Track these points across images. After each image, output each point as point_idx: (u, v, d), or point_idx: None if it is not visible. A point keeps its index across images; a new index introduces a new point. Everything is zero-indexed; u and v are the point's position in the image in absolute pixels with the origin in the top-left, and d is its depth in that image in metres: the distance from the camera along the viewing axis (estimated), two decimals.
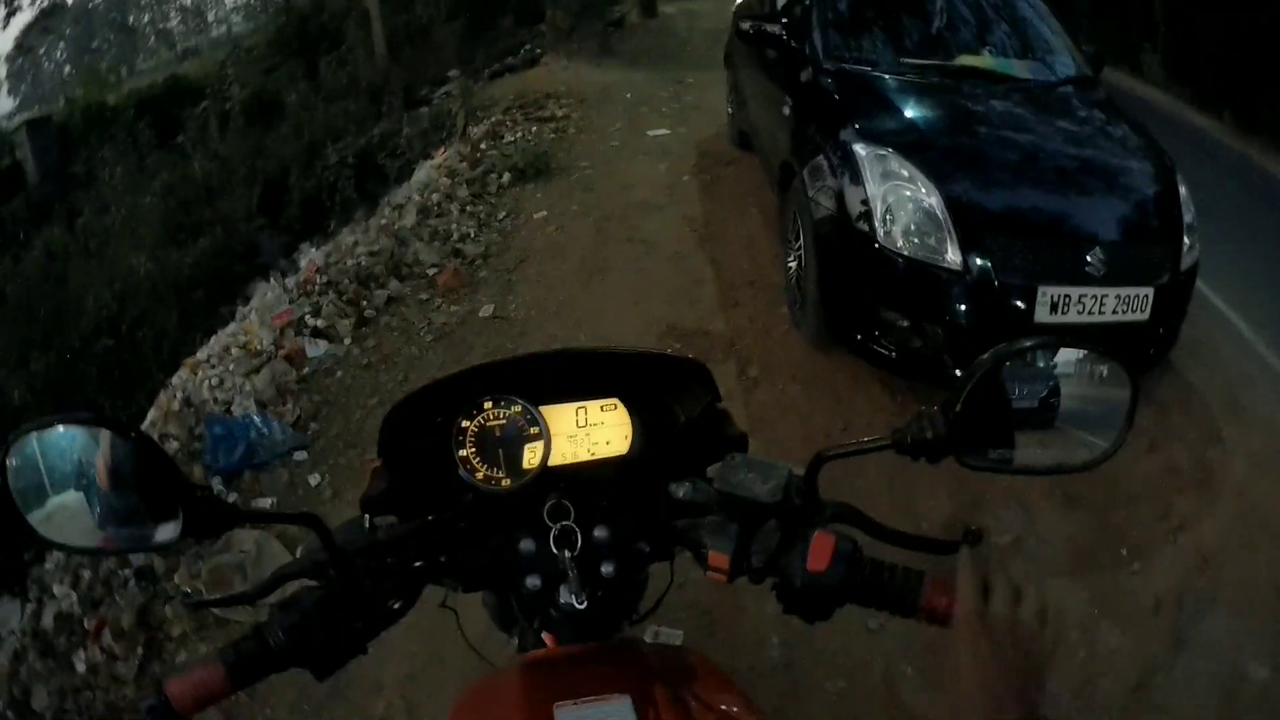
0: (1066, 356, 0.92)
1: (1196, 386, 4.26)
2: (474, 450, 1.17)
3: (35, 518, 0.84)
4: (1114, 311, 3.54)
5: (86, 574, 3.59)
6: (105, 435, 0.84)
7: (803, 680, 2.79)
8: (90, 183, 12.52)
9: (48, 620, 3.46)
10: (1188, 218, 3.87)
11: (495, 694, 1.07)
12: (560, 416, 1.19)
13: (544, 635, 1.20)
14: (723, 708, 1.03)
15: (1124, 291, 3.56)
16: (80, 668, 3.20)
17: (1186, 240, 3.80)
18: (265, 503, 3.74)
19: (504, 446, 1.17)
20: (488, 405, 1.16)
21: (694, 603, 2.96)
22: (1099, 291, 3.51)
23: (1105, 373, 0.91)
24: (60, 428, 0.84)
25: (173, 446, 4.09)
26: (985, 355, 0.90)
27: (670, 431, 1.23)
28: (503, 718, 0.99)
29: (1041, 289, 3.48)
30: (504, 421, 1.17)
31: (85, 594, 3.49)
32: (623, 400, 1.21)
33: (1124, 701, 2.76)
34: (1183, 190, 3.96)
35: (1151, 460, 3.66)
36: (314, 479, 3.84)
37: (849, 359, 4.02)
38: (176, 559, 3.41)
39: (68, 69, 24.93)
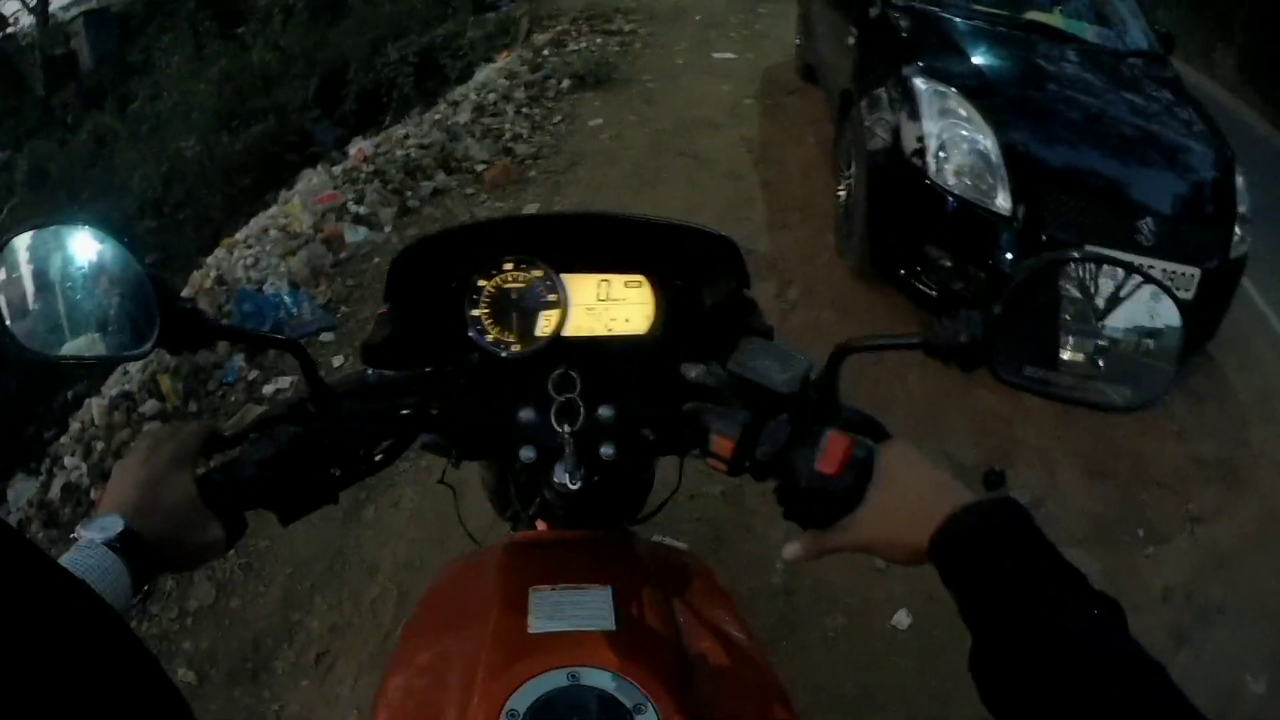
0: (1114, 285, 0.85)
1: (1232, 384, 4.22)
2: (487, 310, 1.12)
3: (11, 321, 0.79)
4: None
5: (99, 445, 3.54)
6: (88, 241, 0.79)
7: (802, 610, 2.74)
8: (147, 71, 12.49)
9: (55, 492, 3.43)
10: (1242, 208, 3.84)
11: (474, 572, 1.05)
12: (582, 286, 1.15)
13: (537, 522, 1.19)
14: (709, 617, 1.00)
15: (1172, 267, 3.54)
16: None
17: (1239, 230, 3.78)
18: (285, 381, 3.64)
19: (519, 310, 1.13)
20: (508, 266, 1.12)
21: (701, 517, 2.93)
22: (1146, 261, 3.41)
23: (1155, 310, 0.84)
24: (48, 231, 0.79)
25: None
26: (1034, 259, 0.82)
27: (694, 315, 1.18)
28: (477, 596, 0.96)
29: (1088, 249, 3.32)
30: (523, 285, 1.13)
31: (95, 465, 3.46)
32: (649, 279, 1.17)
33: None
34: (1240, 181, 3.92)
35: (1179, 447, 3.67)
36: (338, 360, 3.75)
37: (889, 293, 4.01)
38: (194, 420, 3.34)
39: None
